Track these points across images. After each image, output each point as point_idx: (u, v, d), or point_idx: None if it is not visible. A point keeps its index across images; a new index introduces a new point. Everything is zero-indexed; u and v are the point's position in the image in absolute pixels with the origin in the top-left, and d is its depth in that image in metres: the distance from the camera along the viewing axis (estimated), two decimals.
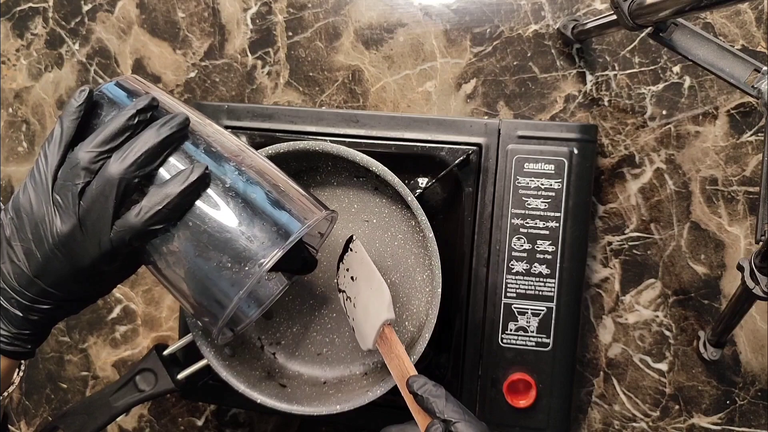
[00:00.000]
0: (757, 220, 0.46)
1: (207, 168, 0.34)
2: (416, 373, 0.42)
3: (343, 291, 0.50)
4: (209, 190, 0.34)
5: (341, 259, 0.50)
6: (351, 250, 0.49)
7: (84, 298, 0.39)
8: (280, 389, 0.52)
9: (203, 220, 0.34)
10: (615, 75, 0.57)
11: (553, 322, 0.51)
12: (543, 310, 0.51)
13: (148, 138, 0.34)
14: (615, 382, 0.57)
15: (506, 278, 0.52)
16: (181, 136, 0.35)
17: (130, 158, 0.33)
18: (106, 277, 0.38)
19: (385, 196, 0.53)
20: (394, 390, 0.48)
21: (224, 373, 0.50)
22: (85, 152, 0.34)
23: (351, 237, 0.49)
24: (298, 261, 0.45)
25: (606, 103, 0.57)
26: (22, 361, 0.41)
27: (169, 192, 0.33)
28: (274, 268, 0.45)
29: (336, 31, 0.61)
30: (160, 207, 0.33)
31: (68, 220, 0.34)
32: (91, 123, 0.35)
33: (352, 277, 0.49)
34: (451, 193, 0.53)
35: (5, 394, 0.40)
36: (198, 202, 0.34)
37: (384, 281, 0.46)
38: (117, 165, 0.33)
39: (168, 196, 0.33)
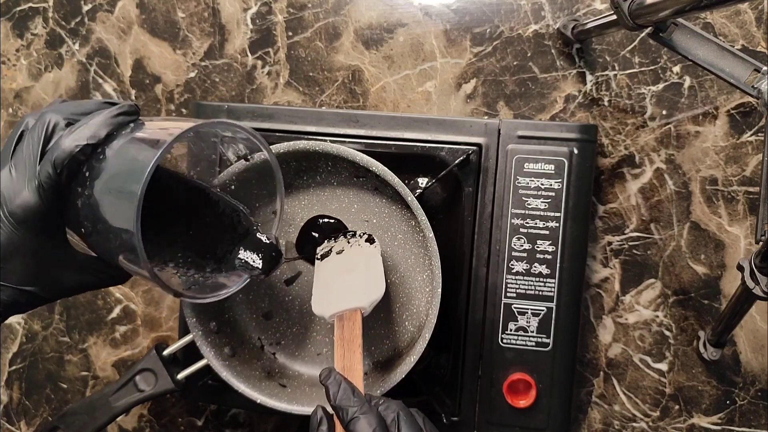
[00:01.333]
0: (757, 220, 0.46)
1: (137, 106, 0.36)
2: (362, 366, 0.42)
3: (325, 253, 0.51)
4: (122, 137, 0.35)
5: (348, 234, 0.51)
6: (368, 242, 0.50)
7: (21, 282, 0.36)
8: (280, 389, 0.52)
9: (110, 157, 0.35)
10: (615, 75, 0.57)
11: (553, 322, 0.51)
12: (543, 310, 0.51)
13: (92, 104, 0.36)
14: (615, 382, 0.57)
15: (506, 278, 0.52)
16: (125, 112, 0.36)
17: (67, 110, 0.35)
18: (46, 254, 0.37)
19: (385, 196, 0.53)
20: (394, 390, 0.48)
21: (224, 373, 0.51)
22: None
23: (372, 237, 0.50)
24: (260, 249, 0.44)
25: (606, 103, 0.57)
26: None
27: (95, 118, 0.35)
28: (241, 265, 0.43)
29: (336, 31, 0.61)
30: (83, 126, 0.34)
31: (5, 164, 0.35)
32: None
33: (339, 251, 0.50)
34: (451, 193, 0.53)
35: None
36: (114, 143, 0.35)
37: (385, 284, 0.46)
38: (54, 112, 0.35)
39: (92, 118, 0.34)
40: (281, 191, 0.44)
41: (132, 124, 0.36)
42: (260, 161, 0.49)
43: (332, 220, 0.53)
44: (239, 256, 0.43)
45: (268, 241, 0.43)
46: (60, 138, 0.34)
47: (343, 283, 0.47)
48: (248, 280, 0.43)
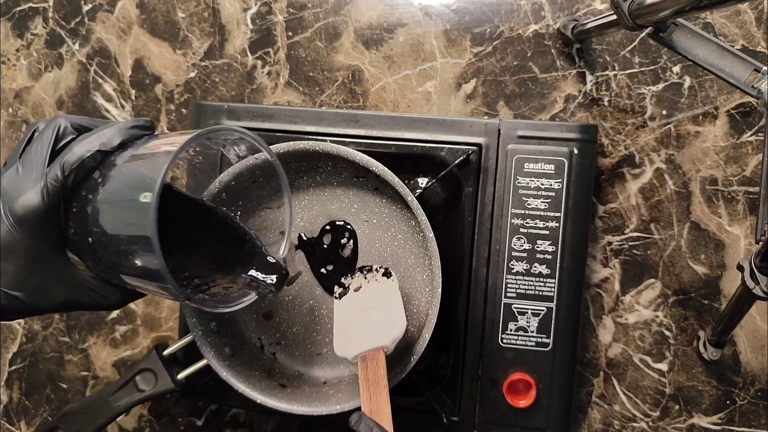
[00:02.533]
0: (757, 220, 0.46)
1: (152, 122, 0.37)
2: (389, 407, 0.41)
3: (343, 289, 0.50)
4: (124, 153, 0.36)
5: (364, 269, 0.51)
6: (385, 276, 0.49)
7: (10, 285, 0.35)
8: (280, 389, 0.52)
9: (122, 165, 0.35)
10: (615, 75, 0.57)
11: (553, 322, 0.51)
12: (543, 310, 0.51)
13: (103, 121, 0.37)
14: (615, 382, 0.57)
15: (506, 278, 0.52)
16: (139, 126, 0.36)
17: (78, 120, 0.36)
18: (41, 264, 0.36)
19: (385, 196, 0.53)
20: (394, 390, 0.48)
21: (224, 373, 0.50)
22: None
23: (389, 270, 0.50)
24: (270, 271, 0.44)
25: (606, 103, 0.57)
26: None
27: (109, 127, 0.35)
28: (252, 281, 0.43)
29: (336, 31, 0.61)
30: (96, 133, 0.35)
31: (11, 164, 0.35)
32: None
33: (356, 289, 0.50)
34: (451, 193, 0.53)
35: None
36: (125, 153, 0.35)
37: (406, 319, 0.46)
38: (64, 118, 0.36)
39: (106, 128, 0.35)
40: (290, 211, 0.45)
41: (145, 138, 0.37)
42: (260, 161, 0.49)
43: (342, 224, 0.54)
44: (251, 275, 0.43)
45: (275, 261, 0.44)
46: (72, 143, 0.34)
47: (364, 322, 0.46)
48: (256, 297, 0.43)
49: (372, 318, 0.46)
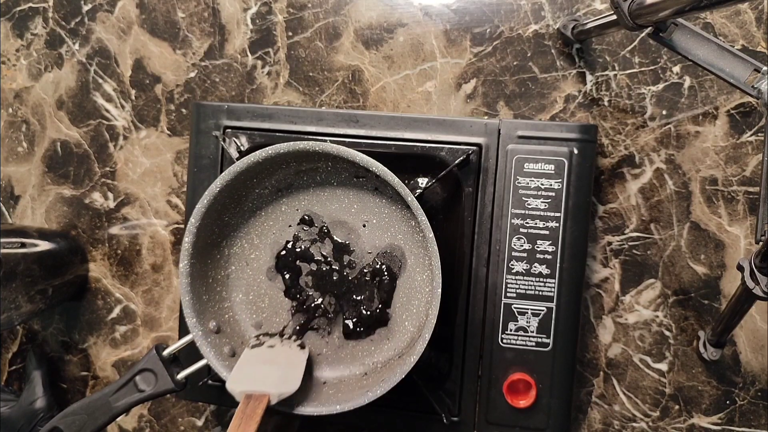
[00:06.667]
0: (757, 220, 0.46)
1: None
2: None
3: (258, 342, 0.53)
4: None
5: (283, 335, 0.54)
6: (300, 347, 0.53)
7: None
8: None
9: None
10: (615, 75, 0.57)
11: (553, 322, 0.51)
12: (543, 310, 0.51)
13: None
14: (615, 382, 0.57)
15: (506, 278, 0.52)
16: None
17: None
18: None
19: (385, 196, 0.53)
20: (394, 390, 0.48)
21: (224, 373, 0.50)
22: None
23: (303, 344, 0.53)
24: None
25: (606, 103, 0.57)
26: None
27: None
28: None
29: (336, 31, 0.61)
30: None
31: None
32: None
33: (270, 346, 0.53)
34: (451, 193, 0.53)
35: None
36: None
37: (299, 385, 0.48)
38: None
39: None
40: None
41: None
42: (261, 159, 0.49)
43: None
44: None
45: None
46: None
47: (261, 370, 0.49)
48: None
49: (270, 370, 0.49)
